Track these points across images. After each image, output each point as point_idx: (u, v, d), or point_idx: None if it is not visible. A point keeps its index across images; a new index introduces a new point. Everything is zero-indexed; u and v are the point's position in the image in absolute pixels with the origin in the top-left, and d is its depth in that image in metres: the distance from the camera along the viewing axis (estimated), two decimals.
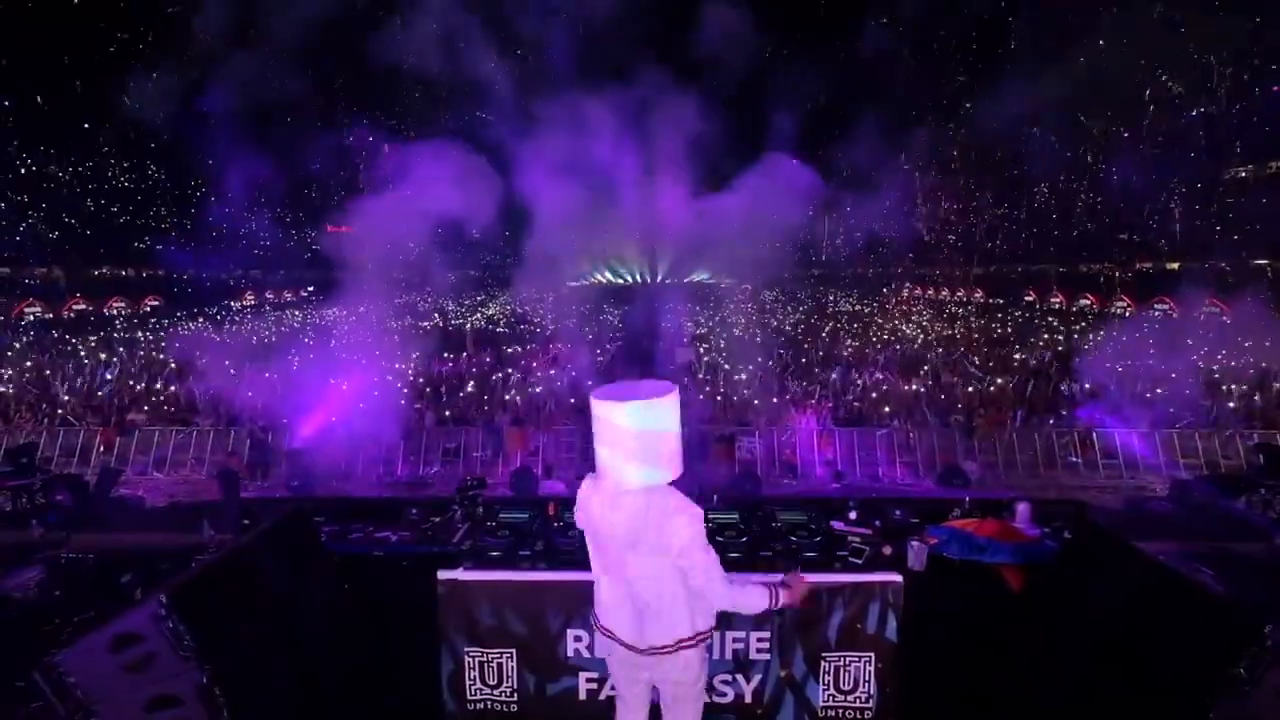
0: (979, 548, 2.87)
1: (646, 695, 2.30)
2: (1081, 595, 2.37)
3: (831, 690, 2.88)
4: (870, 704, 2.88)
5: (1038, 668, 2.47)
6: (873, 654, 2.84)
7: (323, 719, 2.31)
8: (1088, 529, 2.67)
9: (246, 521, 3.29)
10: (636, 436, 1.95)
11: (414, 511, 3.39)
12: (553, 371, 15.73)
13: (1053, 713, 2.40)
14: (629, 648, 2.13)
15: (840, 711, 2.90)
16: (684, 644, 2.08)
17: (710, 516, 3.26)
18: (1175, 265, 42.14)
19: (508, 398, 12.85)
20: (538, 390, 13.35)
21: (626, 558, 2.06)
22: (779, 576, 2.20)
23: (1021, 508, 3.14)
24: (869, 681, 2.87)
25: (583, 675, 2.92)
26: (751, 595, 2.10)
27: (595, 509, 2.11)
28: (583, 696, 2.92)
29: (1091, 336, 22.39)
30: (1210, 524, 3.51)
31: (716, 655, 2.87)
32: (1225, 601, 1.97)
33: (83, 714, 1.88)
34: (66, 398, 13.46)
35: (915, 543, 2.83)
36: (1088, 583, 2.40)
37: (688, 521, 1.95)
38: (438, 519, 3.32)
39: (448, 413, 11.99)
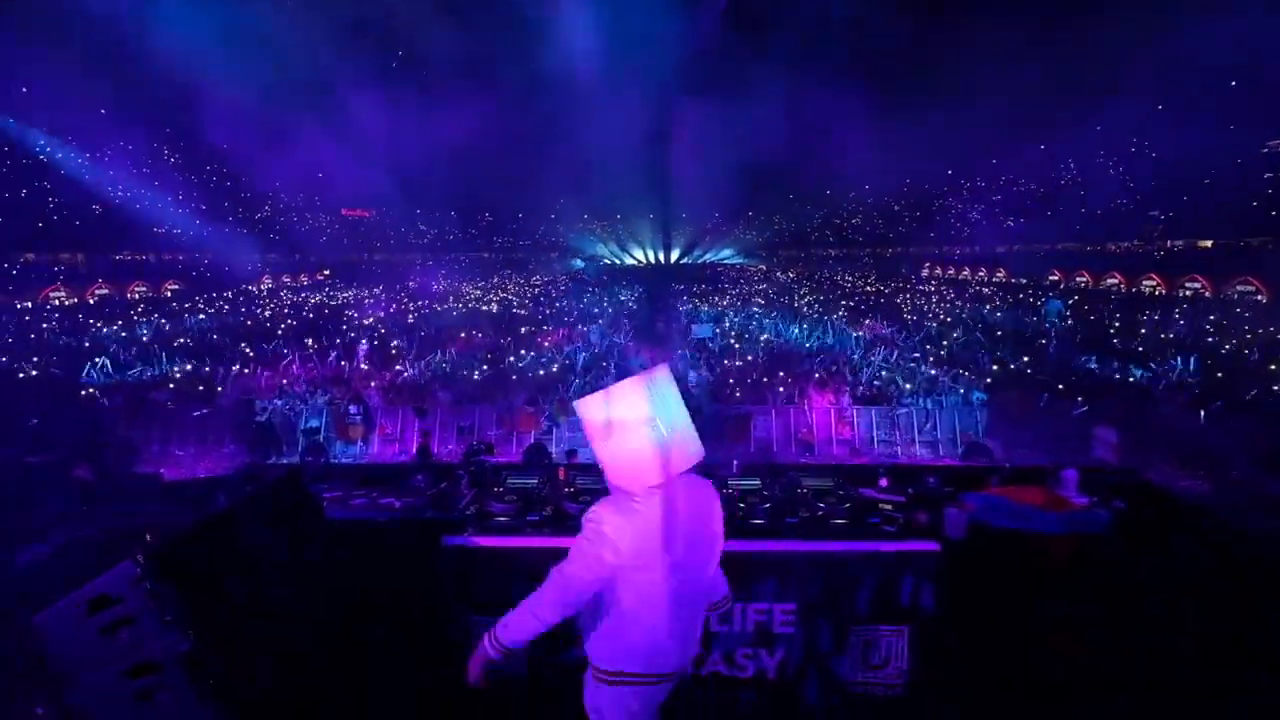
0: (1023, 516, 2.65)
1: None
2: (1146, 567, 2.14)
3: (860, 665, 2.71)
4: (902, 680, 2.70)
5: (1093, 645, 2.26)
6: (906, 627, 2.65)
7: (318, 690, 2.18)
8: (1149, 495, 2.44)
9: (249, 487, 3.17)
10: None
11: (419, 478, 3.25)
12: (566, 350, 15.62)
13: (1110, 693, 2.19)
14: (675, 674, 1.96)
15: (869, 688, 2.73)
16: None
17: (730, 483, 3.08)
18: (1208, 243, 40.71)
19: (518, 377, 12.77)
20: (553, 370, 13.25)
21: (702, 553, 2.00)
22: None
23: (1068, 474, 2.90)
24: (901, 656, 2.69)
25: None
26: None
27: (683, 507, 1.90)
28: None
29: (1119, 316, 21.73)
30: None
31: (738, 627, 2.71)
32: None
33: (60, 678, 1.76)
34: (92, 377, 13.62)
35: (953, 510, 2.62)
36: (1152, 553, 2.17)
37: None
38: (444, 485, 3.17)
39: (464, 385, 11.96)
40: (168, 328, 22.81)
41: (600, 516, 1.80)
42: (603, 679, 1.90)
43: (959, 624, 2.57)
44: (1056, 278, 43.16)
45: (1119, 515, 2.66)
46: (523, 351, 15.07)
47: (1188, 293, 32.67)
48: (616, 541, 1.77)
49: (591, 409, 1.88)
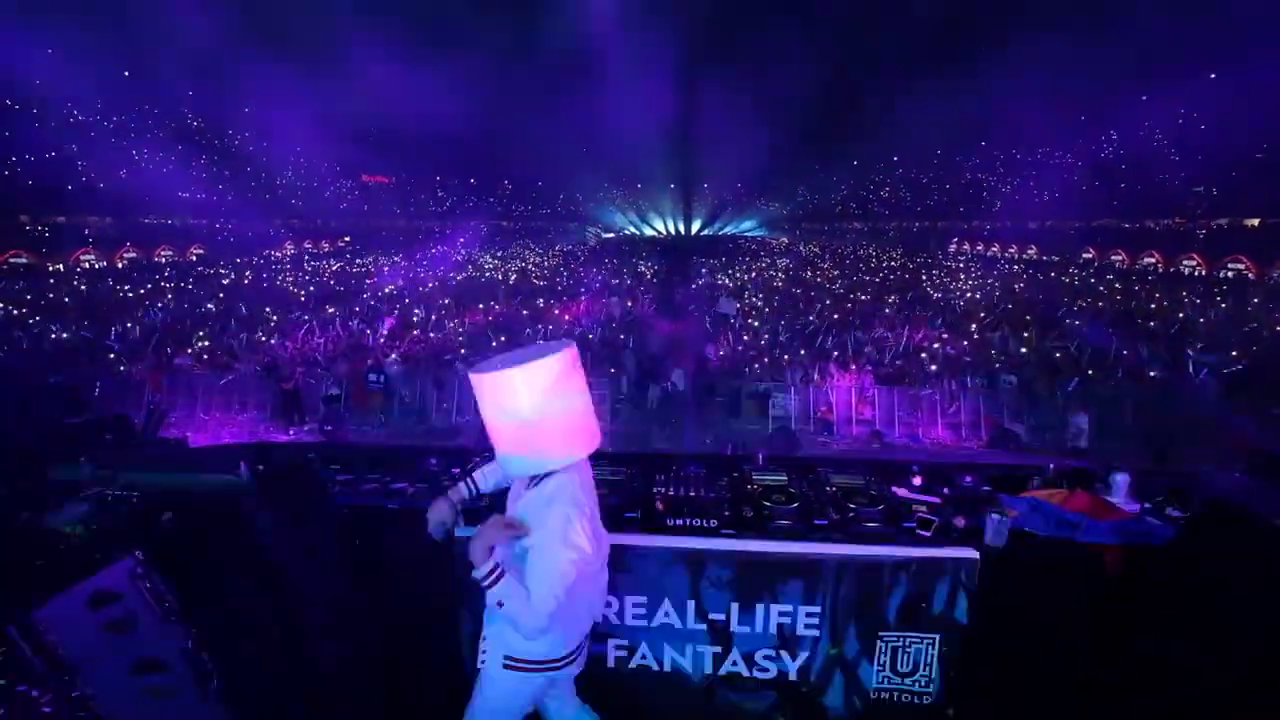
0: (1070, 524, 2.48)
1: None
2: (1211, 584, 1.97)
3: (887, 672, 2.59)
4: (930, 689, 2.59)
5: (1147, 670, 2.11)
6: (937, 636, 2.53)
7: (327, 683, 2.13)
8: (1210, 502, 2.25)
9: (261, 468, 3.11)
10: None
11: (433, 462, 3.16)
12: (582, 323, 15.48)
13: (1162, 713, 2.05)
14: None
15: (895, 695, 2.62)
16: None
17: (756, 478, 2.94)
18: (1254, 222, 38.81)
19: None
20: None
21: None
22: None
23: (1120, 478, 2.71)
24: (930, 665, 2.57)
25: (611, 642, 2.70)
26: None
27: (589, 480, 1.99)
28: (611, 664, 2.71)
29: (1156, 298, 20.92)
30: None
31: (759, 629, 2.61)
32: None
33: (66, 675, 1.70)
34: (117, 343, 13.82)
35: (995, 515, 2.46)
36: (1217, 569, 2.00)
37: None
38: (458, 470, 3.08)
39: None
40: (196, 291, 23.10)
41: (570, 516, 1.74)
42: (520, 668, 1.89)
43: (997, 637, 2.43)
44: (1090, 255, 41.69)
45: (1179, 525, 2.47)
46: (540, 325, 14.96)
47: (1230, 274, 31.36)
48: (591, 531, 1.79)
49: (532, 380, 1.73)
